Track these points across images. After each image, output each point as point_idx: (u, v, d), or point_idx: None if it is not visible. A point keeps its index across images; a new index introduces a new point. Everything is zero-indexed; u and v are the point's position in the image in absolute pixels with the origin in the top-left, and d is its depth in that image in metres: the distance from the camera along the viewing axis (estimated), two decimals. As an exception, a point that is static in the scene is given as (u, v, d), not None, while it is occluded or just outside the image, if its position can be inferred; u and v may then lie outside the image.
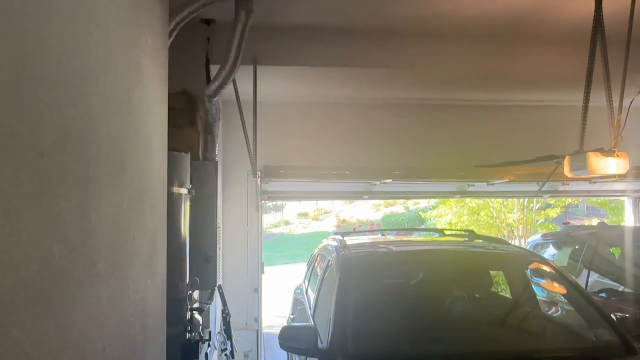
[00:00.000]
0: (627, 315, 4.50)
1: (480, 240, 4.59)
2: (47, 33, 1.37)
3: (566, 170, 4.59)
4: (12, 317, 1.16)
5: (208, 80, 4.59)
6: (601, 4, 4.21)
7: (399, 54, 5.41)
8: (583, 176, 4.87)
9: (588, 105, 4.46)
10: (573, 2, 4.75)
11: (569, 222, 7.36)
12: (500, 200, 13.23)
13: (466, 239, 4.74)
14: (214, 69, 4.55)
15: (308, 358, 3.50)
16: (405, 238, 5.31)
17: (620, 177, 4.94)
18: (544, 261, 4.21)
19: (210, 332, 4.53)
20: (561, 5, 4.82)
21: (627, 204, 8.96)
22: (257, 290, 7.09)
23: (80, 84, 1.62)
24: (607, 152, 4.28)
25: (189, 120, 4.47)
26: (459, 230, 10.48)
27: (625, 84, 4.46)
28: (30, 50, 1.26)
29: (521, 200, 13.12)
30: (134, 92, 2.31)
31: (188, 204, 3.82)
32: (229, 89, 4.48)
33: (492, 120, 7.37)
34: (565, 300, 4.00)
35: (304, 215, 38.10)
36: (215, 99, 4.39)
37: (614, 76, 4.39)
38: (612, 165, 4.26)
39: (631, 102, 4.51)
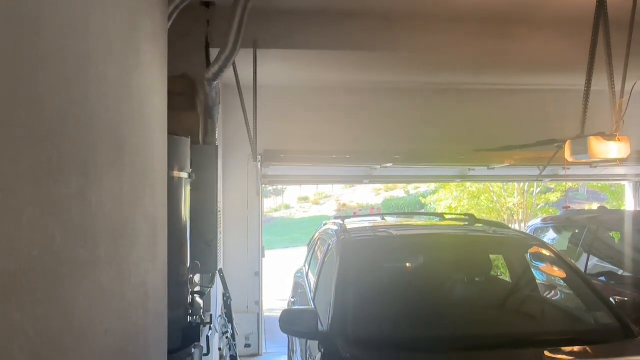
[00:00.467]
0: (626, 299, 4.53)
1: (481, 225, 4.60)
2: (45, 15, 1.35)
3: (567, 155, 4.59)
4: (13, 300, 1.17)
5: (208, 64, 4.56)
6: (604, -13, 4.18)
7: (398, 37, 5.37)
8: (584, 160, 4.87)
9: (590, 89, 4.44)
10: (576, -15, 4.70)
11: (569, 207, 7.37)
12: (500, 184, 13.24)
13: (466, 223, 4.75)
14: (213, 52, 4.52)
15: (308, 341, 3.52)
16: (405, 222, 5.33)
17: (621, 162, 4.94)
18: (544, 245, 4.22)
19: (211, 316, 4.57)
20: (564, -12, 4.78)
21: (628, 188, 8.97)
22: (257, 274, 7.13)
23: (79, 67, 1.61)
24: (609, 136, 4.27)
25: (189, 104, 4.45)
26: (459, 214, 10.50)
27: (627, 67, 4.44)
28: (28, 33, 1.25)
29: (521, 184, 13.13)
30: (133, 75, 2.30)
31: (188, 188, 3.82)
32: (229, 72, 4.45)
33: (492, 104, 7.34)
34: (565, 284, 4.02)
35: (305, 199, 38.16)
36: (215, 82, 4.37)
37: (617, 60, 4.36)
38: (614, 149, 4.26)
39: (633, 86, 4.49)
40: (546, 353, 2.88)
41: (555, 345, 2.98)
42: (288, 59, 5.84)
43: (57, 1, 1.44)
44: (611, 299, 3.44)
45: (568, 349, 2.98)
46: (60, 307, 1.43)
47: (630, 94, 4.40)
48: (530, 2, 5.01)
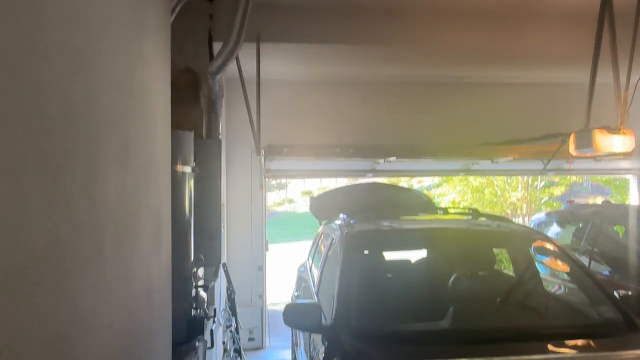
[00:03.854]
0: (629, 293, 4.52)
1: (484, 219, 4.59)
2: (47, 8, 1.35)
3: (571, 148, 4.57)
4: (20, 293, 1.17)
5: (211, 58, 4.55)
6: (609, -21, 4.15)
7: (402, 30, 5.35)
8: (588, 154, 4.85)
9: (594, 82, 4.42)
10: (581, -23, 4.67)
11: (573, 200, 7.33)
12: (504, 178, 13.20)
13: (470, 217, 4.74)
14: (216, 46, 4.51)
15: (312, 334, 3.53)
16: (408, 216, 5.31)
17: (626, 155, 4.92)
18: (547, 239, 4.21)
19: (215, 309, 4.58)
20: (569, -20, 4.74)
21: (632, 182, 8.94)
22: (261, 268, 7.14)
23: (83, 60, 1.61)
24: (613, 129, 4.26)
25: (192, 98, 4.45)
26: (463, 208, 10.47)
27: (632, 60, 4.42)
28: (31, 24, 1.25)
29: (525, 178, 13.09)
30: (136, 69, 2.30)
31: (192, 182, 3.83)
32: (232, 66, 4.44)
33: (497, 98, 7.32)
34: (568, 278, 4.01)
35: (308, 193, 38.14)
36: (219, 76, 4.36)
37: (622, 52, 4.34)
38: (618, 142, 4.24)
39: (639, 79, 4.46)
40: (549, 347, 2.88)
41: (559, 338, 2.99)
42: (291, 52, 5.83)
43: (60, -5, 1.43)
44: (615, 293, 3.43)
45: (571, 342, 2.98)
46: (65, 300, 1.44)
47: (635, 87, 4.38)
48: (534, -5, 4.98)
